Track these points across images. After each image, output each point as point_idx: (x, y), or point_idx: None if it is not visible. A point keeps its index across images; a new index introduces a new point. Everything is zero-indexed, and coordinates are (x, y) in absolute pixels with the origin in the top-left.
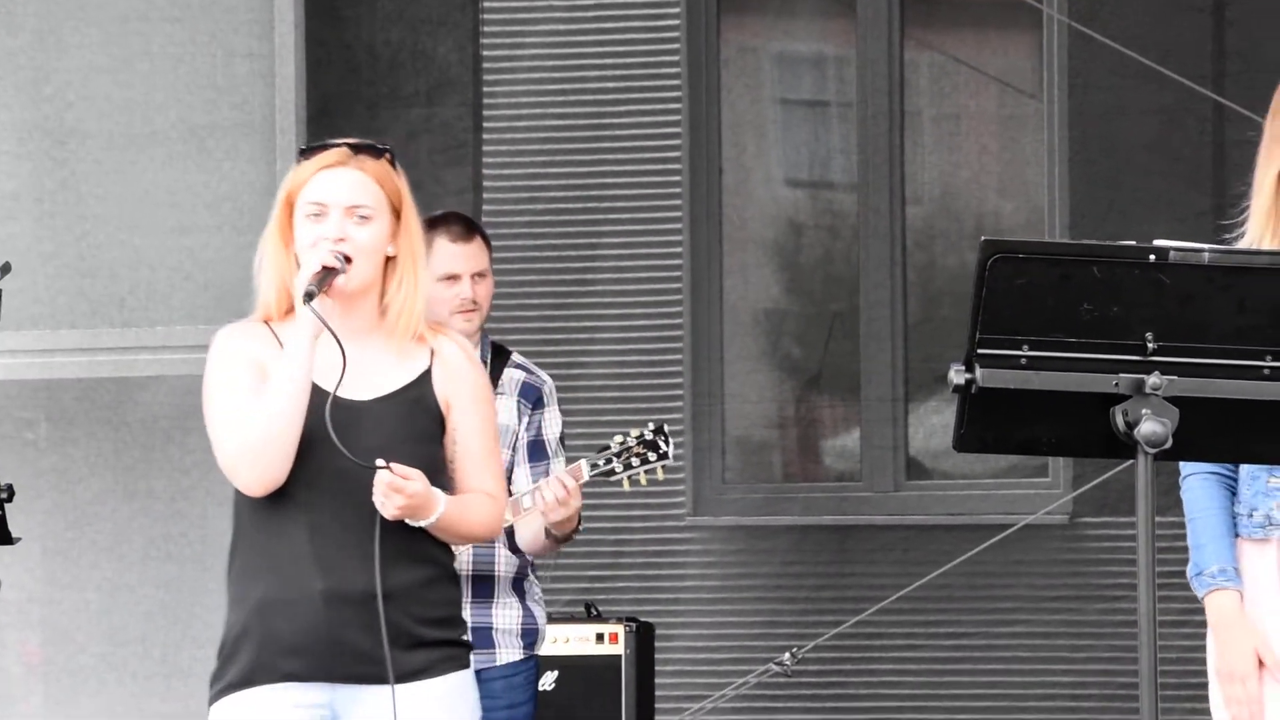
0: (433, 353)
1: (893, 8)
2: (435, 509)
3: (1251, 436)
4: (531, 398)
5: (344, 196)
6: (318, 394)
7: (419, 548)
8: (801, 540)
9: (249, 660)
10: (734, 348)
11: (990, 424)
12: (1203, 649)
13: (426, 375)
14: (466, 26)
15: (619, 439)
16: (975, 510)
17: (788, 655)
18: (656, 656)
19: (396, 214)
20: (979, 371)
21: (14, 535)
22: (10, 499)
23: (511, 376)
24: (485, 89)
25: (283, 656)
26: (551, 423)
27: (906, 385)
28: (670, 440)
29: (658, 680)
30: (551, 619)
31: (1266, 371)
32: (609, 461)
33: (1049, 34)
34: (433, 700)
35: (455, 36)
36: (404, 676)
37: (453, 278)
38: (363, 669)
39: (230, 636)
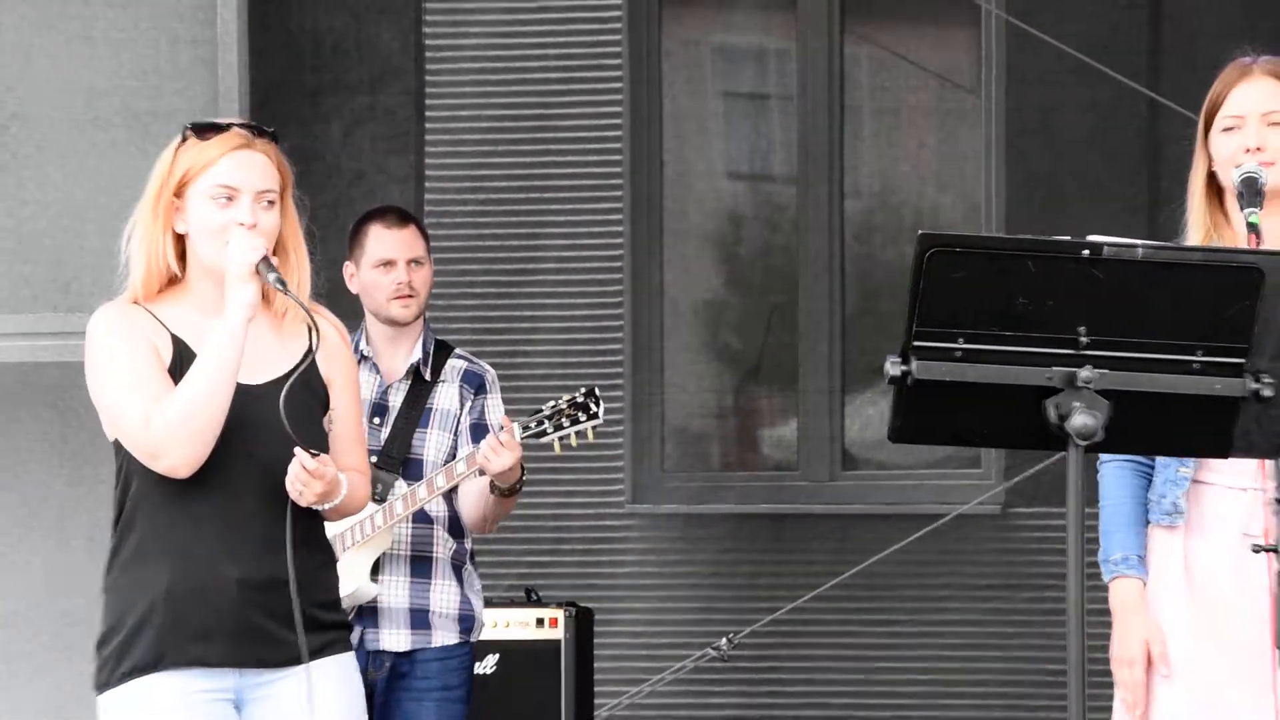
0: (312, 330)
1: (833, 2)
2: (341, 492)
3: (1181, 429)
4: (474, 384)
5: (256, 181)
6: None
7: (314, 533)
8: (738, 528)
9: (154, 645)
10: (674, 338)
11: (925, 415)
12: None
13: (309, 356)
14: (409, 15)
15: (551, 403)
16: (909, 500)
17: (724, 640)
18: (596, 641)
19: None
20: (915, 364)
21: None
22: None
23: (454, 365)
24: (428, 78)
25: (192, 642)
26: (494, 408)
27: (843, 377)
28: (601, 403)
29: (597, 664)
30: (492, 603)
31: (1196, 366)
32: (540, 424)
33: (987, 29)
34: (329, 678)
35: (398, 25)
36: (316, 653)
37: (388, 263)
38: (269, 653)
39: (128, 622)
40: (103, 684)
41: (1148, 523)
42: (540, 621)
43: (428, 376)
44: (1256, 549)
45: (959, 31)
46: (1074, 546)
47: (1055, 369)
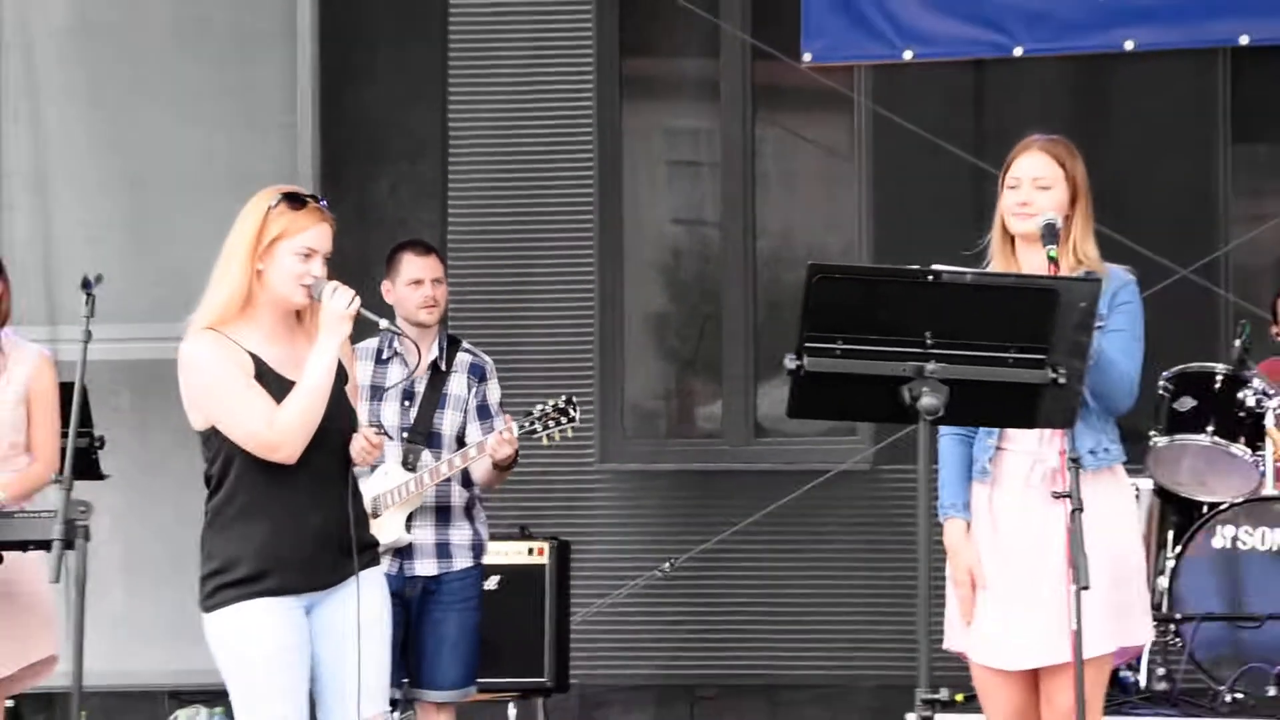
0: None
1: (746, 95)
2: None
3: (1000, 408)
4: (477, 374)
5: (326, 246)
6: (288, 384)
7: (355, 484)
8: (679, 481)
9: (258, 578)
10: (631, 340)
11: (814, 397)
12: None
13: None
14: (438, 104)
15: (539, 407)
16: (803, 460)
17: (667, 564)
18: (572, 565)
19: None
20: (806, 359)
21: (105, 473)
22: (103, 446)
23: (462, 359)
24: (450, 150)
25: (285, 574)
26: (493, 391)
27: (756, 368)
28: (577, 407)
29: (572, 582)
30: (494, 537)
31: (1011, 361)
32: (532, 423)
33: (858, 115)
34: (369, 583)
35: (430, 111)
36: (360, 568)
37: (418, 282)
38: (332, 577)
39: (237, 562)
40: (213, 606)
41: (971, 479)
42: (531, 551)
43: (444, 367)
44: (1056, 495)
45: (838, 116)
46: (923, 494)
47: (908, 363)
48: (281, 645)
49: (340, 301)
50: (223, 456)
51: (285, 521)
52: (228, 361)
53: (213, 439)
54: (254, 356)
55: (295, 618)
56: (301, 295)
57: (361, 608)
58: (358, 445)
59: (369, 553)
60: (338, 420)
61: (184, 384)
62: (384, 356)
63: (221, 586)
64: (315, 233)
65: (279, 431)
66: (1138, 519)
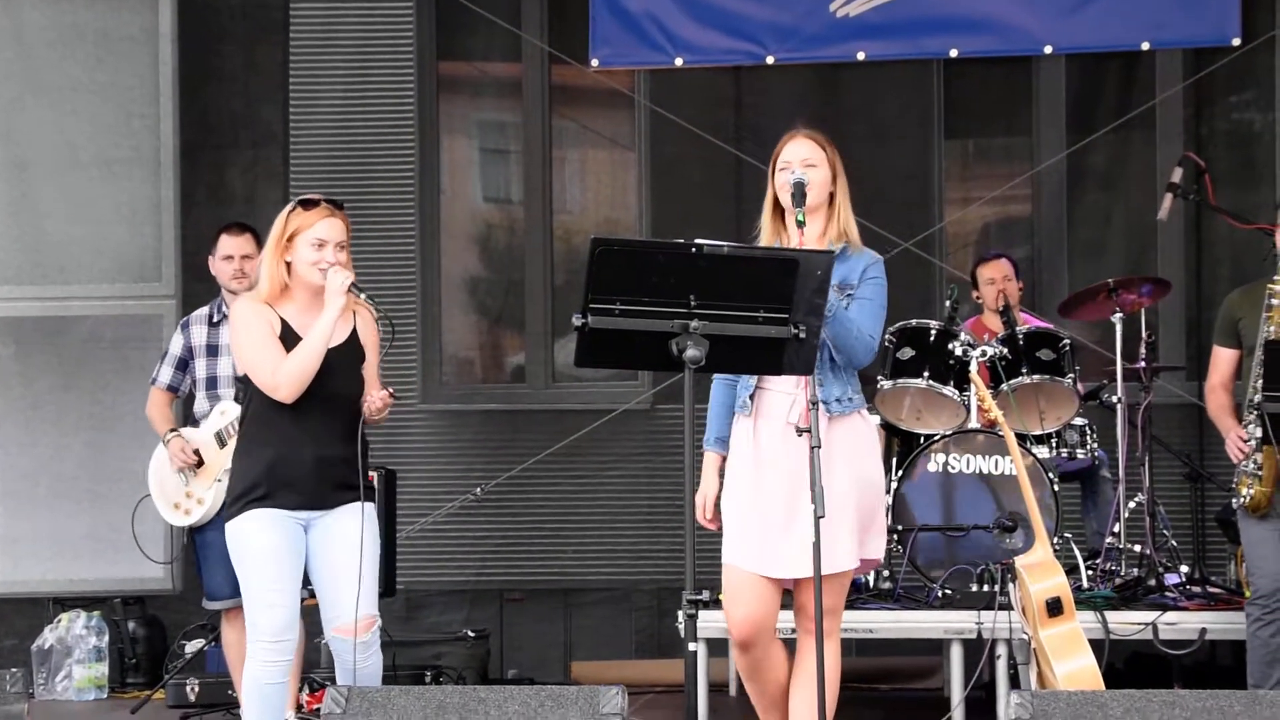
0: (354, 315)
1: (544, 94)
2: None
3: (752, 358)
4: None
5: (335, 235)
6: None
7: (359, 432)
8: (489, 419)
9: (263, 492)
10: (448, 299)
11: (597, 349)
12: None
13: (355, 332)
14: (281, 101)
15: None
16: (593, 400)
17: (479, 488)
18: (398, 489)
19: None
20: (590, 318)
21: None
22: None
23: None
24: (291, 140)
25: (283, 491)
26: None
27: (553, 324)
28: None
29: (399, 504)
30: None
31: (760, 319)
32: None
33: (638, 112)
34: (361, 513)
35: (274, 106)
36: (348, 501)
37: (228, 258)
38: (325, 501)
39: (248, 479)
40: (229, 516)
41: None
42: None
43: None
44: (799, 431)
45: (621, 113)
46: (688, 429)
47: (676, 321)
48: (272, 545)
49: (337, 280)
50: (249, 396)
51: (284, 451)
52: (258, 320)
53: (246, 382)
54: (284, 322)
55: (288, 527)
56: (318, 276)
57: (356, 531)
58: (376, 399)
59: (358, 491)
60: (340, 379)
61: (229, 337)
62: (214, 320)
63: (234, 500)
64: (323, 225)
65: (280, 375)
66: (880, 454)
